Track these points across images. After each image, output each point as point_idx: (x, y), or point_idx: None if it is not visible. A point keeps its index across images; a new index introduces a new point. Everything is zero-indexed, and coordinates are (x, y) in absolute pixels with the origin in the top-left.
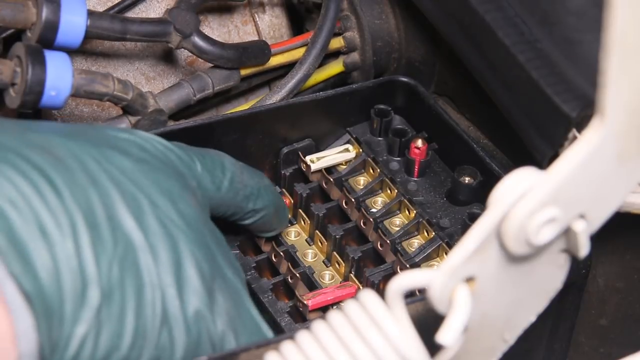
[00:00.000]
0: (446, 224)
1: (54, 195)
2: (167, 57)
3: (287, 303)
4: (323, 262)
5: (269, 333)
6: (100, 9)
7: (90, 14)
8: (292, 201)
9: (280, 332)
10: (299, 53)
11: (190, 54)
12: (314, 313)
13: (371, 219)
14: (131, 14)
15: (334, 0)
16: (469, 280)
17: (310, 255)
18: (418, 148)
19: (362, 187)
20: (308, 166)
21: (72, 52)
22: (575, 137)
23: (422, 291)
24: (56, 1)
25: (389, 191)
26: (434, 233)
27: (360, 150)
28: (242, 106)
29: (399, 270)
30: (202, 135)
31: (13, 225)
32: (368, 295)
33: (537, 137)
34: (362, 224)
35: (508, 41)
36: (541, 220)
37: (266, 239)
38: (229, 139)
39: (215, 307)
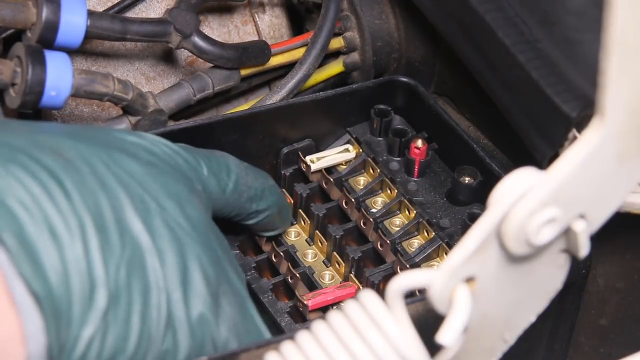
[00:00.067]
0: (446, 224)
1: (63, 197)
2: (167, 57)
3: (287, 303)
4: (323, 262)
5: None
6: (100, 9)
7: (90, 14)
8: (292, 201)
9: (280, 332)
10: (299, 53)
11: (190, 54)
12: (314, 313)
13: (371, 219)
14: (131, 14)
15: (334, 0)
16: (469, 280)
17: (310, 256)
18: (418, 148)
19: (362, 187)
20: (308, 166)
21: (72, 52)
22: (575, 137)
23: (422, 291)
24: (56, 1)
25: (389, 191)
26: (434, 233)
27: (360, 150)
28: (242, 106)
29: (399, 270)
30: (202, 135)
31: (23, 226)
32: (368, 295)
33: (537, 137)
34: (362, 224)
35: (508, 41)
36: (541, 221)
37: (266, 239)
38: (229, 139)
39: (220, 312)
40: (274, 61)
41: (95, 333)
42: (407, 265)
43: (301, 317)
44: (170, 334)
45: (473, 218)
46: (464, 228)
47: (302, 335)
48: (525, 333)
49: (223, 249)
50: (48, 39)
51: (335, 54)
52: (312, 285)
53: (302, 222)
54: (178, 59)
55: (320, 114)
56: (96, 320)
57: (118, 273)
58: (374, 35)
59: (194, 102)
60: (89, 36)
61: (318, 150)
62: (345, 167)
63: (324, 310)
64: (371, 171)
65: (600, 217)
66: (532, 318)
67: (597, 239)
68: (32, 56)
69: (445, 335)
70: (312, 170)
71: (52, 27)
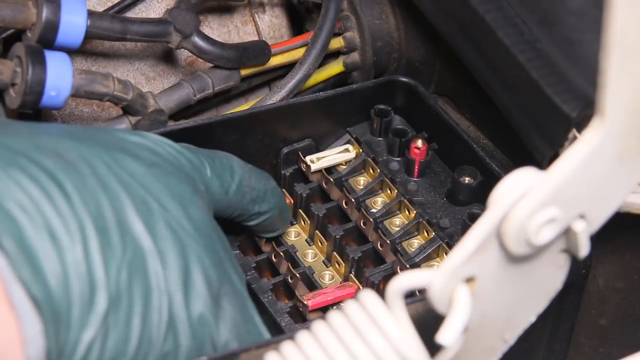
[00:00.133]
0: (446, 224)
1: (63, 199)
2: (167, 57)
3: (287, 303)
4: (323, 262)
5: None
6: (100, 9)
7: (91, 14)
8: (292, 201)
9: (280, 332)
10: (299, 53)
11: (190, 54)
12: (314, 313)
13: (371, 219)
14: (131, 14)
15: (334, 0)
16: (469, 280)
17: (310, 256)
18: (418, 148)
19: (362, 187)
20: (308, 166)
21: (72, 52)
22: (575, 137)
23: (422, 291)
24: (56, 1)
25: (389, 191)
26: (434, 233)
27: (360, 150)
28: (242, 106)
29: (399, 270)
30: (202, 135)
31: (22, 230)
32: (368, 296)
33: (537, 137)
34: (362, 224)
35: (508, 41)
36: (541, 221)
37: (266, 239)
38: (229, 139)
39: (221, 313)
40: (274, 61)
41: (95, 336)
42: (407, 265)
43: (301, 317)
44: (171, 336)
45: (473, 218)
46: (464, 228)
47: (302, 335)
48: (525, 333)
49: (225, 249)
50: (48, 39)
51: (335, 54)
52: (312, 285)
53: (302, 222)
54: (178, 59)
55: (320, 114)
56: (96, 323)
57: (119, 275)
58: (374, 35)
59: (194, 102)
60: (89, 36)
61: (318, 150)
62: (345, 167)
63: (324, 310)
64: (371, 171)
65: (600, 217)
66: (532, 318)
67: (597, 239)
68: (32, 56)
69: (445, 335)
70: (312, 170)
71: (52, 27)
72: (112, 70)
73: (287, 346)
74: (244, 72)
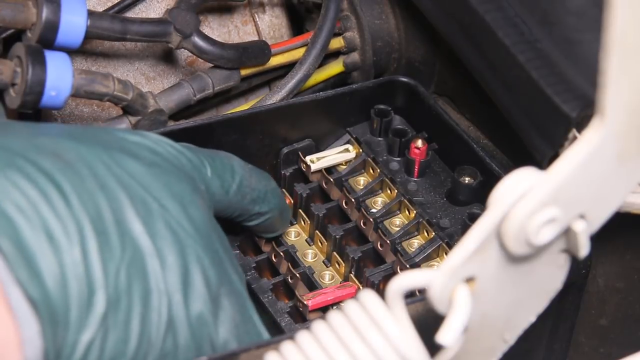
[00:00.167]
0: (446, 224)
1: (61, 200)
2: (167, 57)
3: (287, 303)
4: (323, 262)
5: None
6: (100, 9)
7: (91, 14)
8: (292, 201)
9: (280, 332)
10: (299, 53)
11: (190, 54)
12: (314, 313)
13: (371, 219)
14: (131, 14)
15: (334, 0)
16: (469, 280)
17: (310, 256)
18: (418, 148)
19: (362, 187)
20: (308, 166)
21: (72, 52)
22: (575, 137)
23: (422, 291)
24: (56, 1)
25: (389, 191)
26: (434, 233)
27: (360, 150)
28: (242, 106)
29: (399, 270)
30: (202, 135)
31: (20, 231)
32: (368, 296)
33: (537, 137)
34: (362, 224)
35: (508, 41)
36: (541, 221)
37: (266, 239)
38: (229, 139)
39: (220, 313)
40: (274, 61)
41: (94, 337)
42: (407, 265)
43: (301, 317)
44: (170, 336)
45: (473, 218)
46: (464, 228)
47: (302, 335)
48: (525, 333)
49: (225, 249)
50: (48, 39)
51: (335, 54)
52: (312, 285)
53: (302, 222)
54: (178, 59)
55: (320, 114)
56: (95, 324)
57: (118, 276)
58: (374, 35)
59: (194, 102)
60: (89, 36)
61: (318, 150)
62: (345, 167)
63: (324, 310)
64: (371, 171)
65: (600, 217)
66: (532, 318)
67: (597, 239)
68: (32, 56)
69: (445, 335)
70: (312, 170)
71: (52, 27)
72: (112, 70)
73: (287, 346)
74: (244, 72)
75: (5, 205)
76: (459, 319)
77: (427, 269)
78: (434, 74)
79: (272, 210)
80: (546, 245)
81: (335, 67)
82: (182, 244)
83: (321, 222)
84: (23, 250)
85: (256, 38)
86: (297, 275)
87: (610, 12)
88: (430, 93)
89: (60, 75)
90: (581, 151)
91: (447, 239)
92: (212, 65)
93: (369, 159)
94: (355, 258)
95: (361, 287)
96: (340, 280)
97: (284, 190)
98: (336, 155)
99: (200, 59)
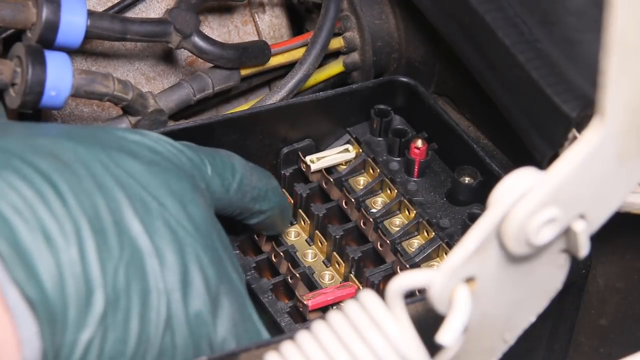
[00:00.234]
0: (446, 224)
1: (58, 200)
2: (167, 57)
3: (287, 303)
4: (323, 262)
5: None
6: (100, 9)
7: (90, 14)
8: (292, 201)
9: (280, 332)
10: (299, 53)
11: (190, 54)
12: (314, 313)
13: (371, 219)
14: (131, 14)
15: (334, 0)
16: (469, 280)
17: (310, 256)
18: (418, 148)
19: (362, 187)
20: (308, 166)
21: (72, 52)
22: (575, 137)
23: (422, 291)
24: (56, 1)
25: (389, 191)
26: (434, 233)
27: (360, 150)
28: (242, 106)
29: (399, 270)
30: (202, 135)
31: (16, 231)
32: (368, 296)
33: (537, 137)
34: (362, 224)
35: (508, 41)
36: (541, 221)
37: (266, 239)
38: (229, 139)
39: (219, 312)
40: (274, 61)
41: (93, 337)
42: (407, 265)
43: (301, 317)
44: (168, 335)
45: (473, 218)
46: (464, 228)
47: (302, 335)
48: (525, 333)
49: (225, 247)
50: (48, 39)
51: (335, 54)
52: (312, 285)
53: (302, 222)
54: (178, 59)
55: (320, 114)
56: (94, 324)
57: (116, 276)
58: (374, 35)
59: (194, 102)
60: (89, 36)
61: (318, 150)
62: (345, 167)
63: (324, 310)
64: (371, 171)
65: (600, 217)
66: (532, 318)
67: (597, 239)
68: (32, 56)
69: (445, 335)
70: (312, 170)
71: (52, 27)
72: (112, 70)
73: (287, 346)
74: (244, 72)
75: (1, 206)
76: (459, 319)
77: (427, 269)
78: (434, 74)
79: (272, 208)
80: (546, 245)
81: (335, 67)
82: (182, 243)
83: (321, 222)
84: (20, 250)
85: (256, 38)
86: (297, 275)
87: (610, 12)
88: (430, 93)
89: (60, 75)
90: (581, 151)
91: (447, 239)
92: (212, 65)
93: (369, 159)
94: (355, 258)
95: (361, 287)
96: (340, 280)
97: (283, 190)
98: (336, 155)
99: (200, 59)
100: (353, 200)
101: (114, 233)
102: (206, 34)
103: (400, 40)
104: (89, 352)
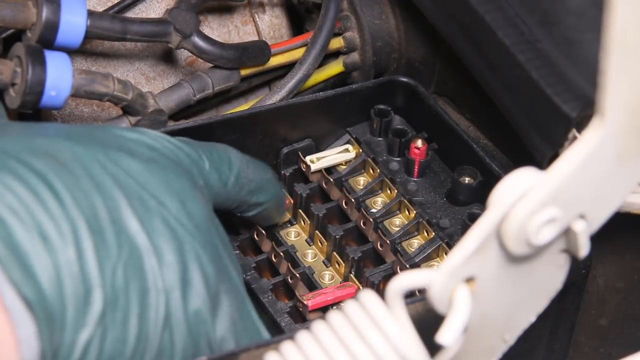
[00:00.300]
0: (446, 224)
1: (54, 201)
2: (167, 57)
3: (287, 303)
4: (323, 262)
5: (267, 337)
6: (100, 9)
7: (90, 14)
8: (292, 201)
9: (280, 332)
10: (299, 53)
11: (190, 54)
12: (314, 313)
13: (371, 219)
14: (131, 14)
15: (334, 0)
16: (469, 280)
17: (310, 256)
18: (418, 148)
19: (362, 187)
20: (308, 166)
21: (72, 52)
22: (575, 137)
23: (422, 291)
24: (56, 1)
25: (389, 191)
26: (434, 233)
27: (360, 150)
28: (242, 106)
29: (399, 270)
30: (202, 135)
31: (12, 232)
32: (368, 296)
33: (537, 137)
34: (362, 224)
35: (508, 41)
36: (541, 221)
37: (266, 238)
38: (229, 139)
39: (219, 311)
40: (274, 61)
41: (91, 337)
42: (407, 265)
43: (301, 317)
44: (167, 333)
45: (473, 218)
46: (464, 228)
47: (302, 335)
48: (525, 333)
49: (224, 244)
50: (48, 39)
51: (335, 54)
52: (312, 285)
53: (302, 222)
54: (178, 59)
55: (320, 114)
56: (92, 323)
57: (115, 275)
58: (374, 35)
59: (194, 102)
60: (89, 36)
61: (318, 150)
62: (345, 167)
63: (324, 310)
64: (371, 171)
65: (600, 217)
66: (532, 318)
67: (597, 239)
68: (32, 56)
69: (445, 335)
70: (312, 170)
71: (52, 27)
72: (112, 70)
73: (287, 346)
74: (244, 72)
75: None
76: (459, 319)
77: (427, 269)
78: (434, 74)
79: (269, 200)
80: (546, 245)
81: (335, 67)
82: (181, 241)
83: (321, 222)
84: (16, 251)
85: (256, 38)
86: (297, 275)
87: (610, 12)
88: (430, 93)
89: (60, 75)
90: (581, 151)
91: (447, 239)
92: (212, 65)
93: (369, 159)
94: (355, 258)
95: (361, 287)
96: (340, 280)
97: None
98: (336, 155)
99: (200, 59)
100: (353, 200)
101: (111, 232)
102: (206, 34)
103: (400, 40)
104: (88, 351)
